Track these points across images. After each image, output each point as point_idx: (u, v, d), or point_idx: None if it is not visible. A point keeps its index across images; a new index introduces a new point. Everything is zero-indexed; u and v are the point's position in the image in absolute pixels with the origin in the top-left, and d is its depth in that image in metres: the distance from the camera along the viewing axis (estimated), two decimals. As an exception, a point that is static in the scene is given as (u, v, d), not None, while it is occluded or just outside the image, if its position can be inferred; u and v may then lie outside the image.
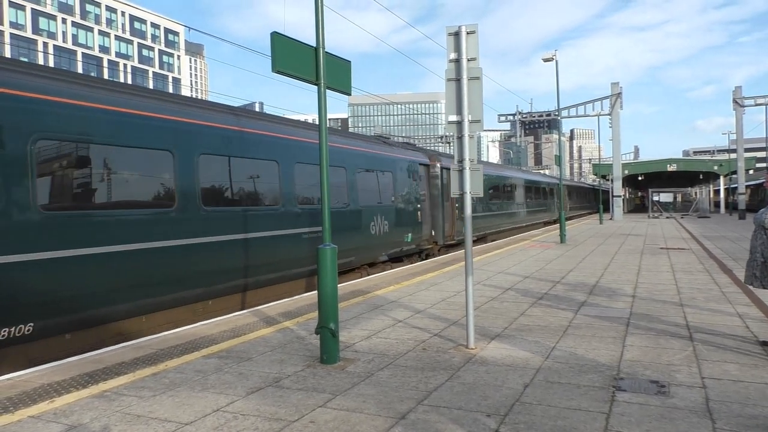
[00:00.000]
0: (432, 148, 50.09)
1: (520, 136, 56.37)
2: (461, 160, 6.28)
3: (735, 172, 42.36)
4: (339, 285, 11.02)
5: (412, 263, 16.25)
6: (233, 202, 9.45)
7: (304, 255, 11.07)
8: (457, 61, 6.18)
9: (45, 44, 75.34)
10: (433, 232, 17.73)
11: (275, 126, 10.82)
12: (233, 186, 9.51)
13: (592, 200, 65.72)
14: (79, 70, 77.15)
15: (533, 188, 33.25)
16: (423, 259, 17.36)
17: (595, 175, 55.81)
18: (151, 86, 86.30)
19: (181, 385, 5.16)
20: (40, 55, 73.14)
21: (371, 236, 13.61)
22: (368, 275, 13.81)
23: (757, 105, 38.13)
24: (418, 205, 16.37)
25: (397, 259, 15.84)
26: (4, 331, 6.12)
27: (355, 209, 12.96)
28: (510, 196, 27.89)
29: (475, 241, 21.66)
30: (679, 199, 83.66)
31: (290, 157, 10.92)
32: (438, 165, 18.18)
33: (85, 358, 6.14)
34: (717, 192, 66.08)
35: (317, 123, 6.21)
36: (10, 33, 71.25)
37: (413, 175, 16.19)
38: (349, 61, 6.45)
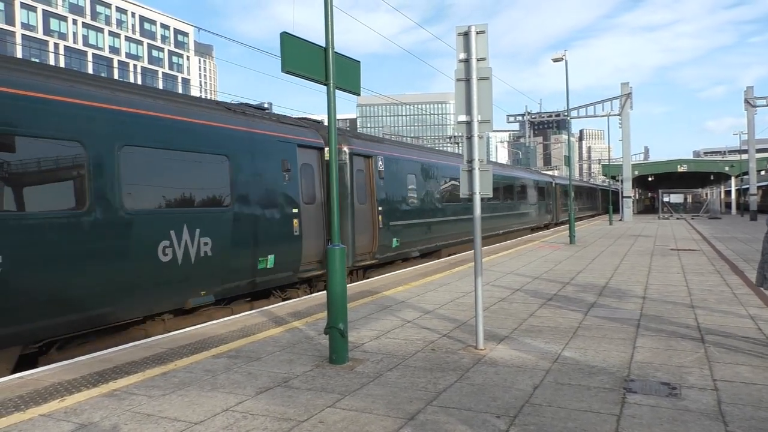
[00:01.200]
0: (441, 148, 49.40)
1: (529, 136, 56.21)
2: (470, 161, 6.26)
3: (746, 173, 42.03)
4: (343, 285, 10.72)
5: (286, 300, 10.90)
6: None
7: None
8: (467, 61, 6.16)
9: (56, 45, 75.91)
10: None
11: None
12: None
13: (598, 201, 62.53)
14: (90, 70, 77.70)
15: (514, 187, 26.53)
16: (311, 292, 11.74)
17: (605, 175, 55.46)
18: (160, 87, 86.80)
19: (191, 384, 5.17)
20: (51, 56, 73.70)
21: (161, 266, 7.82)
22: (162, 333, 8.28)
23: (769, 105, 37.81)
24: (294, 210, 10.62)
25: (258, 296, 10.46)
26: None
27: (109, 218, 7.20)
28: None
29: (403, 261, 15.63)
30: (689, 200, 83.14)
31: None
32: (346, 150, 12.52)
33: (95, 358, 6.17)
34: (728, 193, 65.63)
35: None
36: (22, 34, 71.84)
37: (284, 162, 10.47)
38: (359, 62, 6.44)
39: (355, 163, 12.84)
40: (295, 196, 10.76)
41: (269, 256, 9.95)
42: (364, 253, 13.13)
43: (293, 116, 12.25)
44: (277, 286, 10.63)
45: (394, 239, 14.46)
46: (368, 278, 13.15)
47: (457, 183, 18.66)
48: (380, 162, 14.01)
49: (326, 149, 12.06)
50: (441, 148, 39.11)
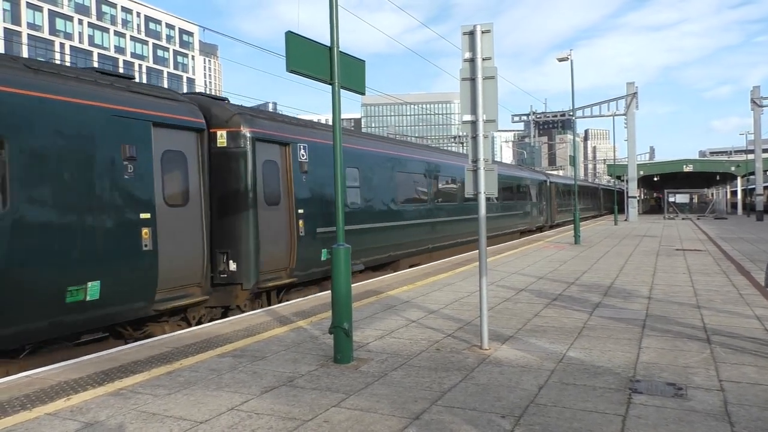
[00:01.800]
0: (446, 148, 48.64)
1: (534, 136, 56.06)
2: (476, 160, 6.25)
3: (753, 173, 41.86)
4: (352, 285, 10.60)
5: (116, 348, 6.98)
6: None
7: None
8: (472, 61, 6.15)
9: (62, 45, 76.18)
10: (232, 266, 9.22)
11: None
12: None
13: (600, 201, 60.63)
14: (96, 70, 77.82)
15: (498, 187, 20.98)
16: (192, 325, 8.77)
17: (610, 175, 55.23)
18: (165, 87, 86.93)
19: (196, 383, 5.18)
20: (57, 56, 73.97)
21: None
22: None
23: (775, 105, 37.60)
24: (144, 215, 7.68)
25: (116, 334, 8.18)
26: None
27: None
28: (453, 197, 18.18)
29: (359, 273, 12.86)
30: (695, 200, 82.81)
31: None
32: (246, 133, 9.45)
33: (101, 357, 6.19)
34: (734, 193, 65.35)
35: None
36: (28, 34, 72.13)
37: (126, 147, 7.47)
38: (364, 61, 6.44)
39: (261, 151, 9.79)
40: (147, 195, 7.76)
41: (90, 284, 6.89)
42: (275, 270, 9.99)
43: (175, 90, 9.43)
44: (121, 323, 7.77)
45: (324, 250, 11.21)
46: (286, 301, 10.47)
47: (422, 180, 16.12)
48: (302, 151, 10.81)
49: (219, 132, 9.36)
50: (446, 148, 38.48)
